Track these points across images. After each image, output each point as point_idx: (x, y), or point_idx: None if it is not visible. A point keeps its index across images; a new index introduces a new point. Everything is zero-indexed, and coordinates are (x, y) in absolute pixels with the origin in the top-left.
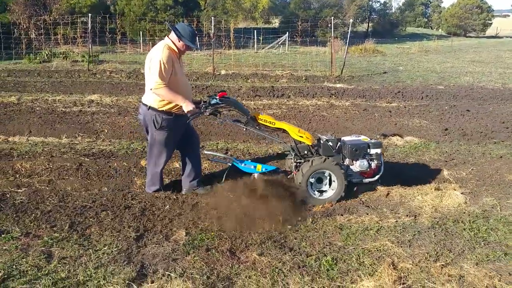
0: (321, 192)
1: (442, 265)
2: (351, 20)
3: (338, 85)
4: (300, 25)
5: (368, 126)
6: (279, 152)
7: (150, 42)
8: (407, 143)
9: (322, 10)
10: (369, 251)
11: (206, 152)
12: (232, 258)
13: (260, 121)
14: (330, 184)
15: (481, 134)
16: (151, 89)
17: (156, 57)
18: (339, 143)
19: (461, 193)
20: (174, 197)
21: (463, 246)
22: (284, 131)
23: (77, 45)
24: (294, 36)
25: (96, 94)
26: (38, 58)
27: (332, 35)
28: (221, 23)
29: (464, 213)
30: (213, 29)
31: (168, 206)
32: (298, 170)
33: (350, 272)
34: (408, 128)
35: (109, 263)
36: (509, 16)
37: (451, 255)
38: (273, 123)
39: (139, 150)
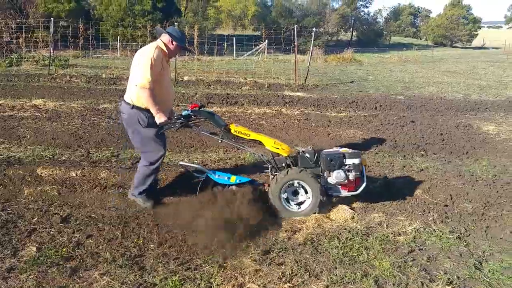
0: (301, 204)
1: (290, 286)
2: (314, 29)
3: (297, 94)
4: (282, 32)
5: (301, 137)
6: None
7: (128, 47)
8: None
9: (304, 18)
10: (224, 270)
11: (180, 163)
12: (70, 277)
13: (235, 133)
14: (306, 192)
15: (413, 146)
16: (136, 85)
17: (147, 54)
18: (316, 154)
19: (352, 208)
20: (46, 209)
21: (324, 265)
22: (259, 142)
23: (37, 50)
24: (273, 44)
25: (42, 99)
26: (7, 62)
27: (296, 43)
28: (199, 29)
29: (345, 229)
30: None
31: (36, 219)
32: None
33: None
34: (339, 138)
35: None
36: (501, 27)
37: (306, 275)
38: (248, 135)
39: (48, 158)
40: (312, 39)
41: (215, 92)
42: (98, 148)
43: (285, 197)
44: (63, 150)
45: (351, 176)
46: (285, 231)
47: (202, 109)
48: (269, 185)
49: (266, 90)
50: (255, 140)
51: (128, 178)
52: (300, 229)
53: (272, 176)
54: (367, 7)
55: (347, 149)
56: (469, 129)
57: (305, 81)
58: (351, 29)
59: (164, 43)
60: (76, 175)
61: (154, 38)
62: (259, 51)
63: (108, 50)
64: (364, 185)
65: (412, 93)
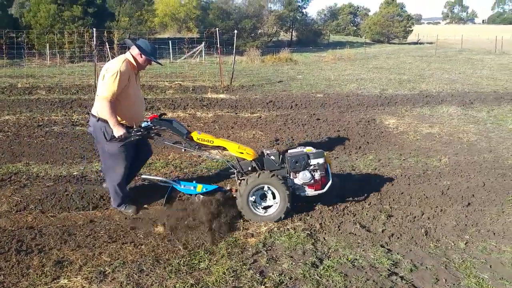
0: (267, 208)
1: None
2: (235, 32)
3: (220, 96)
4: (204, 34)
5: None
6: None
7: (58, 55)
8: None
9: (242, 20)
10: None
11: (143, 176)
12: None
13: (198, 141)
14: (274, 197)
15: (307, 144)
16: (98, 95)
17: (113, 67)
18: (281, 156)
19: None
20: None
21: (157, 277)
22: (224, 148)
23: None
24: (211, 46)
25: None
26: None
27: (219, 46)
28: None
29: None
30: (94, 40)
31: None
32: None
33: None
34: (240, 140)
35: None
36: (439, 23)
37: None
38: (211, 141)
39: None
40: (234, 41)
41: None
42: None
43: (253, 200)
44: None
45: (317, 175)
46: (130, 243)
47: (162, 117)
48: (236, 190)
49: (190, 93)
50: (219, 146)
51: None
52: (145, 242)
53: (238, 181)
54: (304, 8)
55: (310, 148)
56: (370, 124)
57: (231, 82)
58: (291, 29)
59: (132, 56)
60: None
61: (85, 44)
62: (196, 53)
63: (38, 58)
64: (330, 183)
65: (332, 90)
